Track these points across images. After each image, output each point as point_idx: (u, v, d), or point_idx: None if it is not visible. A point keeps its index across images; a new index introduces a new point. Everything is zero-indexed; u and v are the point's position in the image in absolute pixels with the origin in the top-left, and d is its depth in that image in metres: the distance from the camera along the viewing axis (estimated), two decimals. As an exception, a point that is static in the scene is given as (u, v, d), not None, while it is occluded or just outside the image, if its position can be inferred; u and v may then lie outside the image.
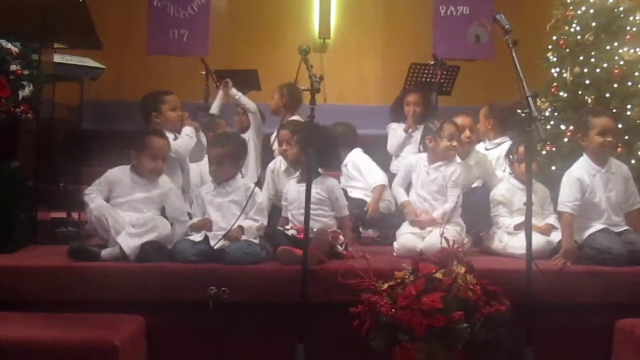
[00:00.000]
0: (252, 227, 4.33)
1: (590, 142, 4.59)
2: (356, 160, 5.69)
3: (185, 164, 4.96)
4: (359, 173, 5.64)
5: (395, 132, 6.25)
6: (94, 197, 4.36)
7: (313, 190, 4.34)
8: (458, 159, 4.99)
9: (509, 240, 4.67)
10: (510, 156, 4.97)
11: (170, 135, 4.80)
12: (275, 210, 4.95)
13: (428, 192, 4.78)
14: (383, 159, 5.96)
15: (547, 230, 4.68)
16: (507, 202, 4.83)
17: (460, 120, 5.39)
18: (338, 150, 4.71)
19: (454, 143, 4.82)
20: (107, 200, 4.41)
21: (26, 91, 4.77)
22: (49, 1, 5.09)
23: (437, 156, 4.81)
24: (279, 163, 5.54)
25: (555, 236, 4.62)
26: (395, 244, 4.71)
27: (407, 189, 4.92)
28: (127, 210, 4.35)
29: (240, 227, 4.28)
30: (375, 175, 5.60)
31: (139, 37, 9.42)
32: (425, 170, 4.82)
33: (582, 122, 4.72)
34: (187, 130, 4.92)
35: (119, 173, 4.50)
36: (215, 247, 4.18)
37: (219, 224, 4.33)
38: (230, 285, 3.96)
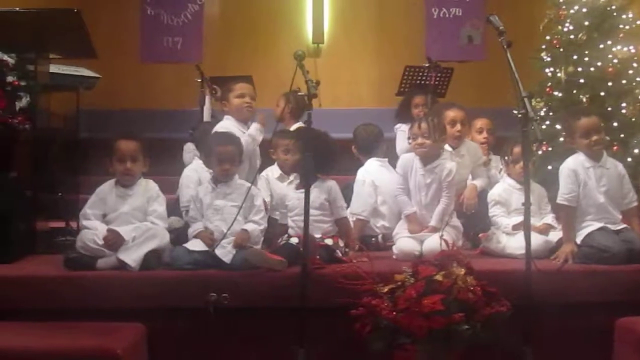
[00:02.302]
0: (256, 230, 4.35)
1: (578, 144, 4.63)
2: (358, 178, 5.38)
3: (252, 161, 5.03)
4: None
5: (405, 133, 6.25)
6: (89, 222, 4.37)
7: (314, 195, 4.40)
8: (448, 149, 5.01)
9: (507, 240, 4.69)
10: (505, 157, 4.99)
11: (239, 127, 4.95)
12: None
13: (425, 197, 4.81)
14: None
15: (545, 230, 4.69)
16: (504, 202, 4.85)
17: (452, 113, 5.44)
18: (336, 155, 4.68)
19: (419, 141, 4.84)
20: (104, 216, 4.41)
21: (22, 102, 4.76)
22: (43, 12, 5.11)
23: (432, 154, 4.84)
24: (271, 170, 5.56)
25: (554, 236, 4.64)
26: (394, 248, 4.72)
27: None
28: (120, 224, 4.33)
29: (246, 231, 4.29)
30: (354, 204, 5.24)
31: (133, 45, 9.43)
32: (421, 173, 4.83)
33: (567, 126, 4.78)
34: (252, 129, 5.01)
35: (106, 189, 4.49)
36: (228, 262, 4.17)
37: (221, 228, 4.31)
38: (230, 291, 3.96)
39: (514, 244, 4.57)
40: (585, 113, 4.75)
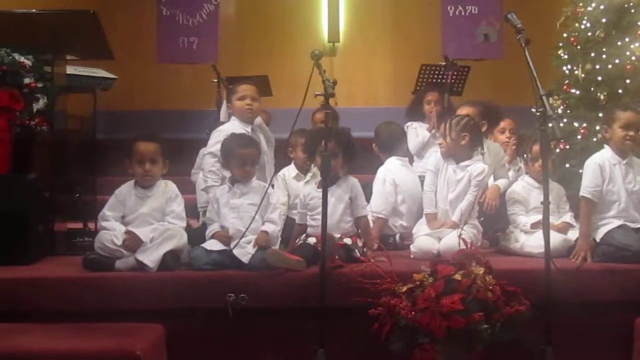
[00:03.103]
0: (275, 231, 4.35)
1: (613, 134, 4.59)
2: (378, 177, 5.35)
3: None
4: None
5: (417, 131, 6.24)
6: (107, 223, 4.37)
7: (338, 194, 4.44)
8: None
9: (526, 239, 4.66)
10: (525, 155, 4.97)
11: (244, 128, 4.98)
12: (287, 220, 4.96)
13: (452, 193, 4.78)
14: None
15: (563, 228, 4.67)
16: (523, 201, 4.82)
17: (465, 111, 5.41)
18: (356, 151, 4.67)
19: (439, 141, 4.88)
20: (123, 217, 4.42)
21: (40, 104, 4.77)
22: (60, 13, 5.12)
23: (455, 154, 4.83)
24: (288, 170, 5.56)
25: (572, 234, 4.61)
26: (412, 247, 4.71)
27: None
28: (139, 225, 4.34)
29: (266, 233, 4.29)
30: (374, 203, 5.21)
31: (149, 46, 9.47)
32: (452, 169, 4.81)
33: (609, 114, 4.73)
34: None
35: (125, 190, 4.49)
36: (247, 262, 4.17)
37: (236, 226, 4.31)
38: (249, 292, 3.96)
39: (532, 243, 4.55)
40: (633, 108, 4.72)
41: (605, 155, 4.60)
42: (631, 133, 4.54)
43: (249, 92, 5.14)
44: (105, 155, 5.92)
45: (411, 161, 5.96)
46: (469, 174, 4.76)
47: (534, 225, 4.59)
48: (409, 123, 6.40)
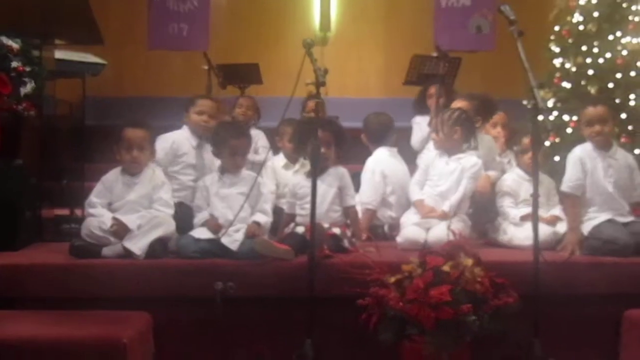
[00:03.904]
0: (268, 222, 4.36)
1: (583, 133, 4.63)
2: (367, 168, 5.34)
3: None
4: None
5: (420, 126, 6.20)
6: (95, 209, 4.35)
7: (327, 184, 4.45)
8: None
9: (514, 231, 4.67)
10: (515, 147, 4.96)
11: (191, 139, 4.96)
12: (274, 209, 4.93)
13: (444, 184, 4.76)
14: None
15: (552, 221, 4.68)
16: (512, 193, 4.83)
17: (460, 104, 5.39)
18: (347, 140, 4.67)
19: (434, 135, 4.84)
20: (110, 204, 4.40)
21: (28, 88, 4.73)
22: (50, -3, 5.07)
23: (448, 147, 4.83)
24: (277, 159, 5.54)
25: (561, 227, 4.63)
26: (399, 238, 4.69)
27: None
28: (126, 212, 4.32)
29: (258, 224, 4.28)
30: (363, 194, 5.21)
31: (140, 32, 9.37)
32: (445, 161, 4.81)
33: (579, 114, 4.75)
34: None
35: (112, 177, 4.47)
36: (235, 250, 4.16)
37: (226, 216, 4.30)
38: (237, 281, 3.94)
39: (521, 235, 4.56)
40: (593, 102, 4.71)
41: (586, 149, 4.62)
42: (597, 128, 4.55)
43: (207, 109, 5.06)
44: (93, 141, 5.88)
45: (414, 156, 5.90)
46: (461, 167, 4.76)
47: (524, 218, 4.59)
48: (413, 118, 6.38)
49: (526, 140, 4.71)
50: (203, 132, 5.00)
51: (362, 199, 5.10)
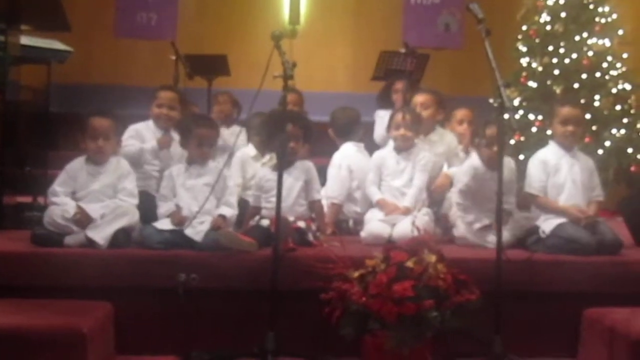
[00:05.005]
0: (234, 216, 4.36)
1: (555, 129, 4.65)
2: (333, 162, 5.36)
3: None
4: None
5: (383, 120, 6.18)
6: (58, 198, 4.31)
7: (294, 177, 4.47)
8: (421, 138, 5.00)
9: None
10: (477, 139, 4.93)
11: (155, 131, 4.97)
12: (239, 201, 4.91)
13: (399, 182, 4.80)
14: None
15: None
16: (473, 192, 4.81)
17: (422, 98, 5.40)
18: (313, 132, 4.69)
19: (402, 132, 4.85)
20: (74, 193, 4.36)
21: (-8, 73, 4.68)
22: (16, -18, 5.00)
23: (399, 145, 4.86)
24: (247, 150, 5.52)
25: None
26: (362, 233, 4.71)
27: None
28: (90, 202, 4.29)
29: (223, 217, 4.27)
30: (329, 188, 5.22)
31: (108, 19, 9.32)
32: (395, 160, 4.83)
33: (551, 109, 4.77)
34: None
35: (76, 165, 4.43)
36: (199, 240, 4.14)
37: (191, 207, 4.29)
38: (200, 272, 3.91)
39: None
40: (572, 103, 4.75)
41: (549, 151, 4.68)
42: (570, 128, 4.60)
43: (166, 101, 5.06)
44: (58, 129, 5.82)
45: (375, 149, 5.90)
46: (412, 162, 4.82)
47: (483, 229, 4.60)
48: (377, 112, 6.38)
49: (489, 132, 4.65)
50: (165, 124, 4.99)
51: (328, 194, 5.10)
